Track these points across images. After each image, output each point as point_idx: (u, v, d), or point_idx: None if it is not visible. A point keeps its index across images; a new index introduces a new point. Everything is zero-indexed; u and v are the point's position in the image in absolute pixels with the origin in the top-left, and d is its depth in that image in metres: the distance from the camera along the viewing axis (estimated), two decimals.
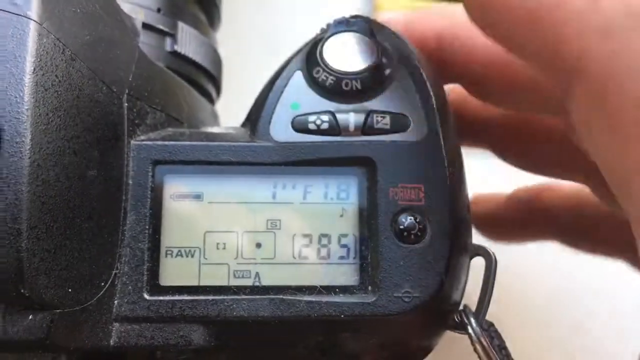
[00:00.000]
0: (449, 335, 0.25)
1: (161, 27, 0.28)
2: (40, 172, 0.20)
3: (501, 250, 0.37)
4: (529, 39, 0.20)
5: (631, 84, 0.17)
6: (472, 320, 0.24)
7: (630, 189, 0.18)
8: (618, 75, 0.17)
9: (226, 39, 0.36)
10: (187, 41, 0.29)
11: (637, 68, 0.17)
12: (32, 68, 0.20)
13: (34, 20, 0.20)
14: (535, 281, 0.42)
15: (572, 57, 0.18)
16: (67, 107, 0.21)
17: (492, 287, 0.25)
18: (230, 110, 0.31)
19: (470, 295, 0.25)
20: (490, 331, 0.25)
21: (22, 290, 0.19)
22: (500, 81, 0.26)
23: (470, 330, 0.24)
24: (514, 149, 0.32)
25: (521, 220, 0.35)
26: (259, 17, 0.47)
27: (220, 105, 0.35)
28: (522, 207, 0.35)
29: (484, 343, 0.24)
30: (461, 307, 0.25)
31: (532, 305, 0.42)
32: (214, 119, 0.32)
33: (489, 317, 0.25)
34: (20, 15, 0.20)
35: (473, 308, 0.25)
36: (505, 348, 0.25)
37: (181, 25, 0.29)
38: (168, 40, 0.29)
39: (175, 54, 0.29)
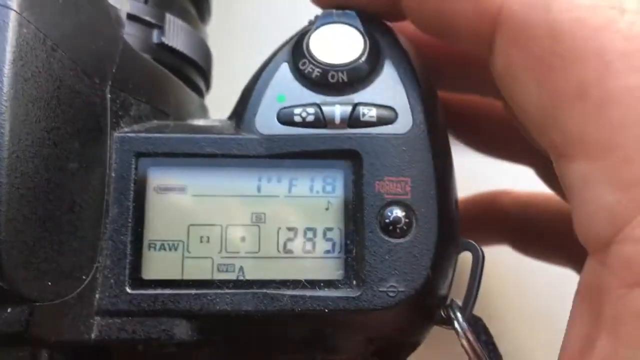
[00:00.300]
0: (440, 331, 0.25)
1: (148, 18, 0.28)
2: (19, 164, 0.19)
3: (497, 246, 0.37)
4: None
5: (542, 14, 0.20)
6: (459, 314, 0.24)
7: (556, 120, 0.20)
8: (534, 15, 0.21)
9: (218, 31, 0.36)
10: (175, 33, 0.29)
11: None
12: (12, 58, 0.19)
13: (13, 10, 0.20)
14: (531, 277, 0.41)
15: (493, 10, 0.21)
16: (47, 98, 0.20)
17: (480, 282, 0.24)
18: (221, 104, 0.30)
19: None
20: (477, 326, 0.25)
21: (0, 284, 0.19)
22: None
23: (456, 325, 0.24)
24: (461, 128, 0.33)
25: (477, 223, 0.36)
26: (250, 10, 0.46)
27: (212, 98, 0.35)
28: (479, 209, 0.36)
29: (470, 338, 0.24)
30: (448, 302, 0.24)
31: (528, 302, 0.42)
32: (203, 112, 0.32)
33: (484, 313, 0.25)
34: (0, 4, 0.20)
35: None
36: (492, 344, 0.25)
37: (169, 17, 0.29)
38: (155, 32, 0.28)
39: (162, 45, 0.28)
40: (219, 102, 0.33)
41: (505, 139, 0.32)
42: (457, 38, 0.24)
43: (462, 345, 0.24)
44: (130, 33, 0.27)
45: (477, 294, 0.25)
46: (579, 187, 0.20)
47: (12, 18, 0.20)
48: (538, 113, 0.21)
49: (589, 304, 0.20)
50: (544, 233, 0.34)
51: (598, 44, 0.20)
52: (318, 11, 0.26)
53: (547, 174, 0.32)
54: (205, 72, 0.32)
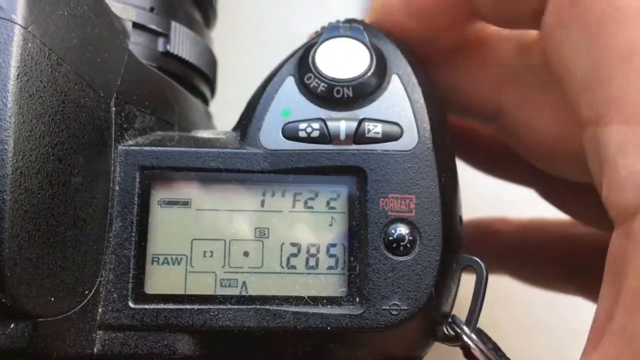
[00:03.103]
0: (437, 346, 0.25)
1: (154, 27, 0.28)
2: (23, 180, 0.19)
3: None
4: None
5: None
6: (465, 328, 0.24)
7: (601, 80, 0.20)
8: None
9: (223, 37, 0.36)
10: (181, 41, 0.29)
11: None
12: (17, 74, 0.19)
13: (18, 24, 0.20)
14: (531, 288, 0.41)
15: None
16: (52, 113, 0.20)
17: (483, 298, 0.24)
18: (227, 110, 0.30)
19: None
20: (481, 337, 0.25)
21: (3, 300, 0.19)
22: None
23: (465, 338, 0.24)
24: (461, 147, 0.32)
25: (474, 250, 0.35)
26: (256, 15, 0.46)
27: (217, 105, 0.35)
28: (476, 237, 0.35)
29: (482, 348, 0.24)
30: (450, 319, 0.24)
31: (531, 310, 0.42)
32: (208, 119, 0.32)
33: (488, 320, 0.25)
34: (4, 19, 0.20)
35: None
36: (499, 349, 0.25)
37: (175, 25, 0.29)
38: (161, 41, 0.28)
39: (167, 54, 0.28)
40: (225, 108, 0.33)
41: (506, 160, 0.32)
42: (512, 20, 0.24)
43: (472, 356, 0.24)
44: (136, 42, 0.27)
45: (480, 309, 0.25)
46: (612, 154, 0.19)
47: (17, 33, 0.20)
48: (583, 73, 0.21)
49: (613, 277, 0.20)
50: (543, 260, 0.34)
51: None
52: (325, 18, 0.26)
53: (550, 192, 0.31)
54: (210, 80, 0.32)
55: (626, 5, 0.20)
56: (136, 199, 0.23)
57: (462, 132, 0.31)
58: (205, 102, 0.33)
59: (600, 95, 0.20)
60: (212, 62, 0.32)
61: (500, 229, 0.35)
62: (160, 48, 0.28)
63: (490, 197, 0.37)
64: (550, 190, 0.31)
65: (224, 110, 0.31)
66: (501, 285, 0.39)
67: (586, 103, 0.21)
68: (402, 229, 0.23)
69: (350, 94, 0.24)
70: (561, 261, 0.31)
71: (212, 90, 0.33)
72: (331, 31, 0.25)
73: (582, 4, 0.21)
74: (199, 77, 0.31)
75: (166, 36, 0.28)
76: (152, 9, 0.28)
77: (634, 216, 0.19)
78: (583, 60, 0.21)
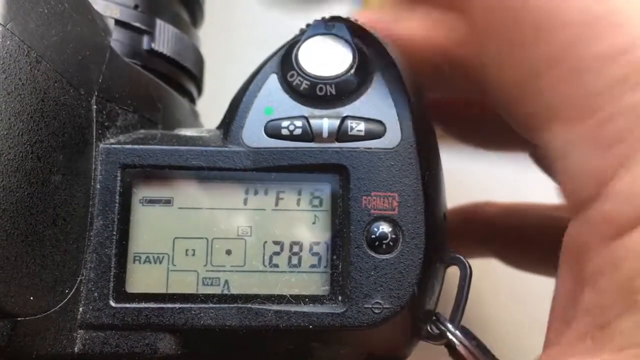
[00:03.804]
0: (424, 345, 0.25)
1: (137, 24, 0.27)
2: (1, 179, 0.19)
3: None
4: None
5: None
6: (449, 325, 0.24)
7: (536, 88, 0.21)
8: None
9: (214, 35, 0.35)
10: (166, 39, 0.29)
11: None
12: None
13: None
14: (529, 280, 0.41)
15: None
16: (30, 111, 0.20)
17: (467, 296, 0.24)
18: (217, 109, 0.30)
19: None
20: (465, 333, 0.25)
21: None
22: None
23: (449, 336, 0.24)
24: (459, 127, 0.33)
25: (461, 234, 0.36)
26: (244, 13, 0.46)
27: (207, 104, 0.34)
28: (462, 221, 0.36)
29: (467, 344, 0.24)
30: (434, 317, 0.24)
31: (525, 306, 0.42)
32: (194, 118, 0.32)
33: (483, 316, 0.25)
34: None
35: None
36: (484, 347, 0.25)
37: (160, 22, 0.29)
38: (145, 38, 0.28)
39: (152, 52, 0.28)
40: (212, 105, 0.33)
41: (496, 129, 0.32)
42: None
43: (455, 354, 0.24)
44: (119, 39, 0.27)
45: (464, 306, 0.24)
46: (563, 153, 0.21)
47: None
48: (516, 86, 0.22)
49: (572, 264, 0.21)
50: (529, 243, 0.34)
51: (568, 10, 0.20)
52: (318, 16, 0.26)
53: (539, 155, 0.32)
54: (196, 78, 0.32)
55: (543, 12, 0.21)
56: (117, 197, 0.23)
57: (451, 109, 0.32)
58: (192, 100, 0.32)
59: (540, 102, 0.21)
60: (199, 60, 0.32)
61: (485, 211, 0.36)
62: (145, 46, 0.28)
63: (478, 195, 0.37)
64: (538, 153, 0.31)
65: (213, 109, 0.31)
66: (488, 282, 0.39)
67: (527, 113, 0.22)
68: (385, 227, 0.23)
69: (333, 92, 0.24)
70: (542, 244, 0.32)
71: (199, 88, 0.33)
72: (314, 29, 0.25)
73: (500, 19, 0.22)
74: (184, 76, 0.31)
75: (151, 34, 0.28)
76: (136, 7, 0.28)
77: (590, 206, 0.20)
78: (513, 73, 0.22)
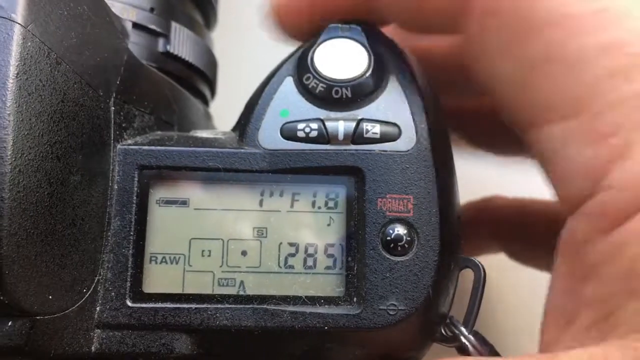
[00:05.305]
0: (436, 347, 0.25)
1: (153, 27, 0.28)
2: (21, 178, 0.19)
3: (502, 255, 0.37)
4: None
5: None
6: (463, 329, 0.24)
7: (529, 86, 0.21)
8: None
9: (225, 37, 0.36)
10: (181, 42, 0.29)
11: None
12: (16, 72, 0.19)
13: (18, 24, 0.20)
14: (536, 286, 0.41)
15: None
16: (50, 111, 0.20)
17: (481, 299, 0.24)
18: (227, 111, 0.30)
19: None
20: (478, 338, 0.25)
21: (0, 297, 0.19)
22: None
23: (463, 340, 0.24)
24: (471, 132, 0.34)
25: (470, 229, 0.35)
26: (258, 15, 0.46)
27: (218, 106, 0.35)
28: (471, 216, 0.36)
29: (480, 349, 0.24)
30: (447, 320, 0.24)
31: (532, 312, 0.42)
32: (208, 120, 0.32)
33: (488, 322, 0.25)
34: (4, 18, 0.20)
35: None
36: (496, 351, 0.25)
37: (175, 25, 0.29)
38: (161, 41, 0.28)
39: (167, 54, 0.28)
40: (225, 108, 0.33)
41: (499, 133, 0.32)
42: (431, 27, 0.25)
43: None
44: (136, 42, 0.27)
45: (478, 310, 0.24)
46: (556, 149, 0.21)
47: (17, 32, 0.20)
48: (511, 84, 0.22)
49: (570, 260, 0.21)
50: (536, 237, 0.34)
51: (559, 6, 0.21)
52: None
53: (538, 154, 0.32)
54: (210, 80, 0.32)
55: (540, 13, 0.21)
56: (135, 198, 0.23)
57: (460, 113, 0.32)
58: (205, 102, 0.33)
59: (534, 99, 0.21)
60: (212, 62, 0.32)
61: (495, 204, 0.36)
62: (161, 48, 0.28)
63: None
64: (534, 152, 0.32)
65: (225, 111, 0.31)
66: (501, 286, 0.39)
67: (522, 111, 0.22)
68: (400, 229, 0.23)
69: (349, 95, 0.24)
70: (548, 239, 0.32)
71: (212, 91, 0.33)
72: (330, 32, 0.25)
73: (495, 20, 0.22)
74: (199, 78, 0.31)
75: (166, 37, 0.28)
76: (152, 10, 0.28)
77: (585, 201, 0.20)
78: (508, 72, 0.22)
